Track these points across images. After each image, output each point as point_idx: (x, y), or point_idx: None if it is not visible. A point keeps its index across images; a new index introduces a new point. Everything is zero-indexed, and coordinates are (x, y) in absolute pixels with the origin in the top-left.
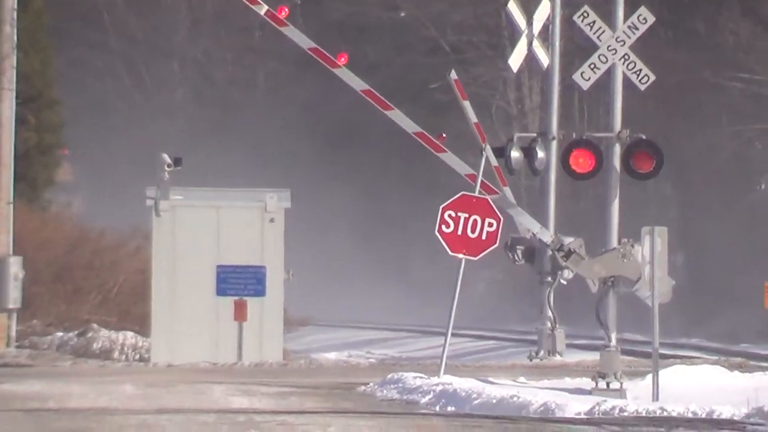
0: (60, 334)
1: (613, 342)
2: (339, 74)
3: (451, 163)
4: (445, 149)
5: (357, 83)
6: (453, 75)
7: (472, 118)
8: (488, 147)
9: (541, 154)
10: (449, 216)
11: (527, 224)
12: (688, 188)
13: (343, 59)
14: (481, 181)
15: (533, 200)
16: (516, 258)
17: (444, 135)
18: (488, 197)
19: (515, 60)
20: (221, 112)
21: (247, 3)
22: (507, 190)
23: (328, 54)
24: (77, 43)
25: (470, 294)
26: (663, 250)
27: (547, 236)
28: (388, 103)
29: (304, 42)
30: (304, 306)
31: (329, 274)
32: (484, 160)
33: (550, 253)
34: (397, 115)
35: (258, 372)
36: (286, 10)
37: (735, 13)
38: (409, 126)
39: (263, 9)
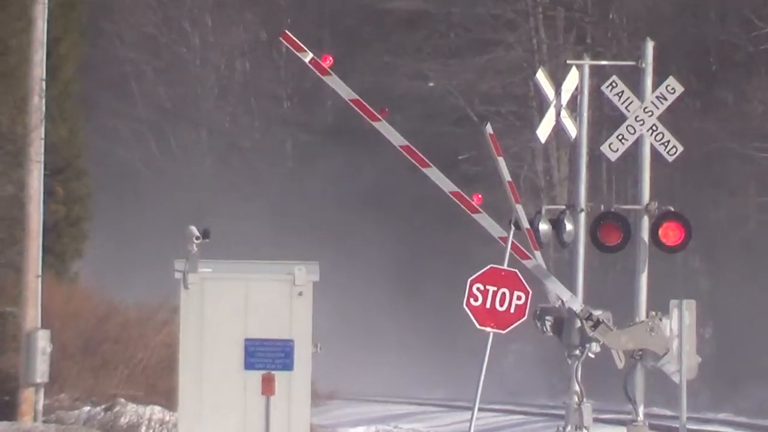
0: (87, 408)
1: (641, 416)
2: (379, 128)
3: (485, 224)
4: (480, 210)
5: (396, 139)
6: (489, 129)
7: (506, 176)
8: (520, 207)
9: (569, 226)
10: (477, 289)
11: (558, 292)
12: (717, 260)
13: (384, 113)
14: (513, 243)
15: (561, 273)
16: (544, 329)
17: (480, 196)
18: (517, 270)
19: (543, 131)
20: (249, 182)
21: (293, 50)
22: (538, 255)
23: (369, 107)
24: (105, 113)
25: (498, 367)
26: (691, 323)
27: (577, 305)
28: (426, 161)
29: (346, 93)
30: (332, 379)
31: (357, 347)
32: (512, 229)
33: (578, 324)
34: (434, 173)
35: None
36: (331, 59)
37: (764, 83)
38: (446, 185)
39: (308, 57)
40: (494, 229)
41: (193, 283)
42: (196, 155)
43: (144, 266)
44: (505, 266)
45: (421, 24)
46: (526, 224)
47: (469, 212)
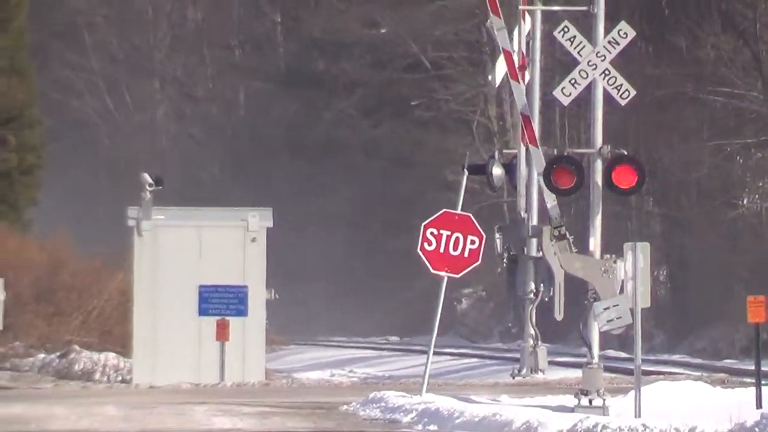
0: (42, 355)
1: (596, 359)
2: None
3: (534, 158)
4: (537, 145)
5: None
6: None
7: (504, 44)
8: (497, 24)
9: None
10: (431, 234)
11: (546, 194)
12: (670, 203)
13: None
14: (530, 132)
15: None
16: (503, 255)
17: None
18: (470, 215)
19: (496, 76)
20: (202, 130)
21: None
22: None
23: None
24: (58, 63)
25: (453, 311)
26: (645, 266)
27: (556, 211)
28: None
29: None
30: (287, 325)
31: (312, 293)
32: (466, 173)
33: (537, 255)
34: (518, 88)
35: (240, 392)
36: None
37: (716, 28)
38: (522, 103)
39: None
40: (539, 164)
41: (147, 231)
42: (149, 105)
43: (98, 214)
44: (458, 210)
45: None
46: (505, 44)
47: (528, 141)
